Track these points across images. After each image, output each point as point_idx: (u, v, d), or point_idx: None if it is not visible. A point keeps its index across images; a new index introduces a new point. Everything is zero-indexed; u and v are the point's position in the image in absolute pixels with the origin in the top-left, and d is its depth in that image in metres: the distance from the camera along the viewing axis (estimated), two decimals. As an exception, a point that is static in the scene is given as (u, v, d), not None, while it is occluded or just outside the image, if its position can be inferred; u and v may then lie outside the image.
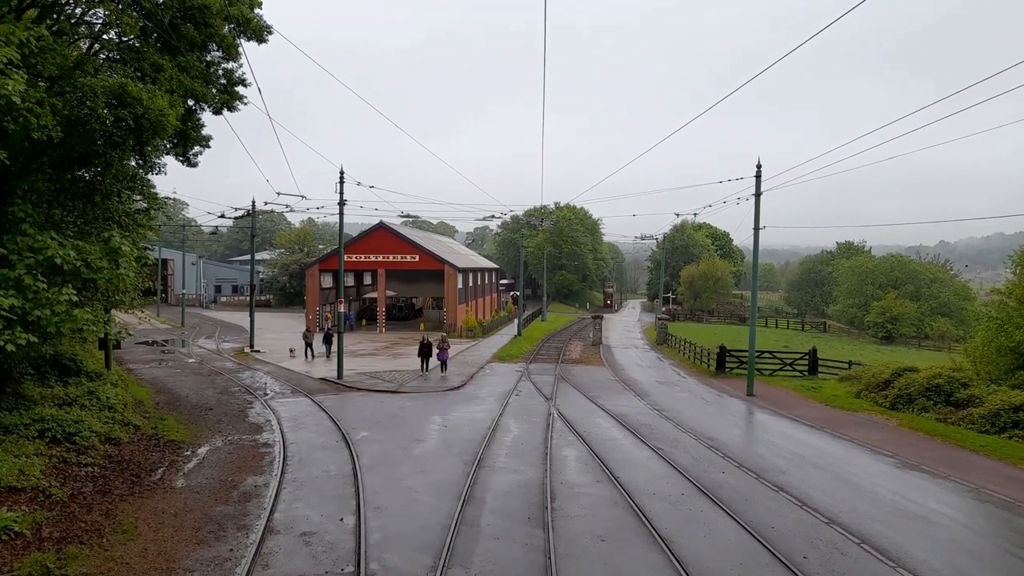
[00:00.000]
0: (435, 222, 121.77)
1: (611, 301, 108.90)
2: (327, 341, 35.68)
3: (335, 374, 28.59)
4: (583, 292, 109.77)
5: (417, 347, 32.19)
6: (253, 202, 38.43)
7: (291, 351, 37.46)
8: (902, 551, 10.86)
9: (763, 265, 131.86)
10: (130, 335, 18.06)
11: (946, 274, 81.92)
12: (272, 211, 37.45)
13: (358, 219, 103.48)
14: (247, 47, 30.03)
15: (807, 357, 32.89)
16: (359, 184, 28.29)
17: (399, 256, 52.65)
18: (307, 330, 37.94)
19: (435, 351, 30.93)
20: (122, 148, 15.62)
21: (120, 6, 14.93)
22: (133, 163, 18.17)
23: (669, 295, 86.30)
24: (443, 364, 30.89)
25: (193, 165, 20.44)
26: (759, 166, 27.25)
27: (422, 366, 31.26)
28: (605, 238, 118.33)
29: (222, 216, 40.58)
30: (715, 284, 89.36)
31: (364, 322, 57.68)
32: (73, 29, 16.24)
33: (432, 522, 11.79)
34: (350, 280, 62.96)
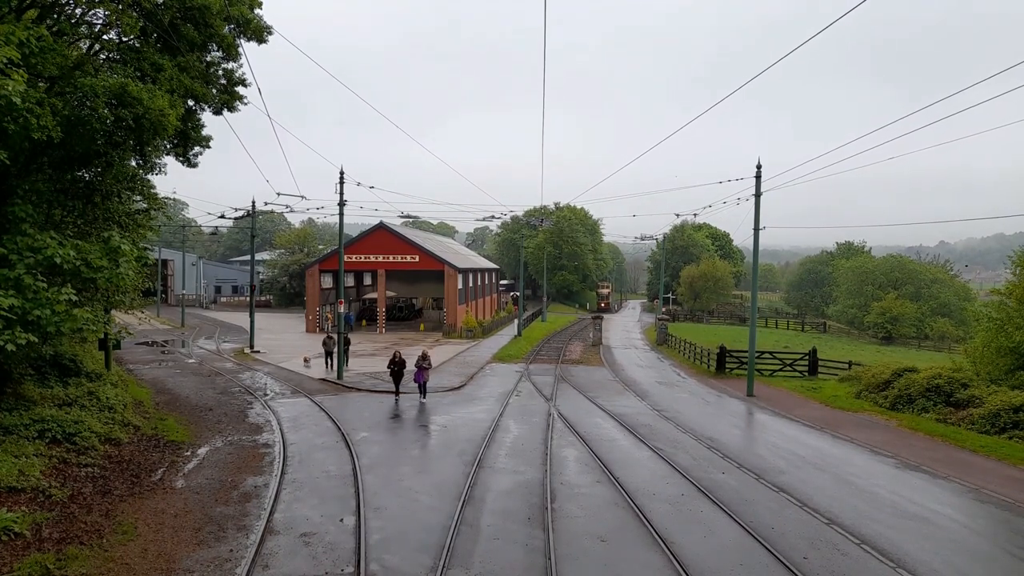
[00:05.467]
0: (435, 222, 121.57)
1: (606, 302, 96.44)
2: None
3: (335, 375, 28.60)
4: (583, 292, 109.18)
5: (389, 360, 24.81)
6: (253, 202, 38.46)
7: (305, 360, 33.36)
8: (902, 551, 10.87)
9: (763, 265, 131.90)
10: (130, 335, 18.09)
11: (946, 274, 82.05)
12: (272, 211, 37.37)
13: (358, 219, 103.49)
14: (247, 47, 30.08)
15: (807, 357, 32.89)
16: (359, 184, 28.35)
17: (399, 256, 52.64)
18: (328, 337, 33.36)
19: (413, 370, 24.45)
20: (122, 148, 15.65)
21: (120, 6, 14.93)
22: (133, 163, 18.21)
23: (669, 295, 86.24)
24: (422, 388, 24.15)
25: (193, 165, 20.48)
26: (759, 166, 27.20)
27: (396, 389, 24.59)
28: (605, 238, 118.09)
29: (222, 216, 40.69)
30: (715, 284, 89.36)
31: (364, 322, 57.70)
32: (73, 29, 16.25)
33: (432, 523, 11.78)
34: (350, 280, 62.96)
